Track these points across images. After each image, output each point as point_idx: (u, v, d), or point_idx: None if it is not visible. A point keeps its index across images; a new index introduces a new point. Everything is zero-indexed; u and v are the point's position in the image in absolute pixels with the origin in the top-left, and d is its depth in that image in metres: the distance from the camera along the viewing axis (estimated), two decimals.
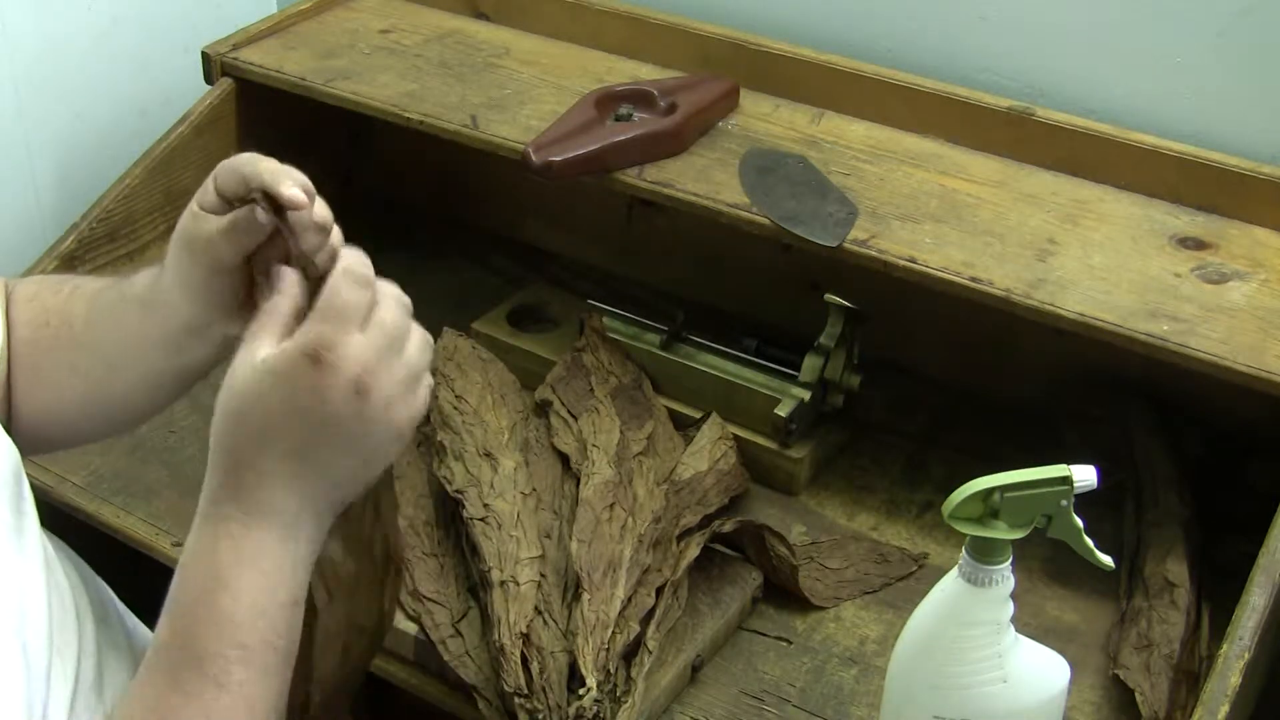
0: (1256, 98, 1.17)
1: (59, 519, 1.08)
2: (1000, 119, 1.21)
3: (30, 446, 0.88)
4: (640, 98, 1.23)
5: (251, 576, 0.70)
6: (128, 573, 0.96)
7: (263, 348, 0.71)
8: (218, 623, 0.69)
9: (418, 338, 0.75)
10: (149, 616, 0.94)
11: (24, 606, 0.78)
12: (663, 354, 1.22)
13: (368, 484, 0.75)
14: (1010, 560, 0.81)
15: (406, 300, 0.75)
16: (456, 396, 1.13)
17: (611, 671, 0.92)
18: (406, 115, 1.25)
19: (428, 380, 0.76)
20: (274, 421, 0.70)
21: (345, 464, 0.73)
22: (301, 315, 0.73)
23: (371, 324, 0.72)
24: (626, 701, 0.92)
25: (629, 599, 0.96)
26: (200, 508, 0.72)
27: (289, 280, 0.74)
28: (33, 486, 1.09)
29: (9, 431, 0.84)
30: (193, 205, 0.81)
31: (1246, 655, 0.87)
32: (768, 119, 1.27)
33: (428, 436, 1.11)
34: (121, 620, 0.90)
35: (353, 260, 0.73)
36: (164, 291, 0.83)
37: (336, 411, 0.70)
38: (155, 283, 0.84)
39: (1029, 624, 0.99)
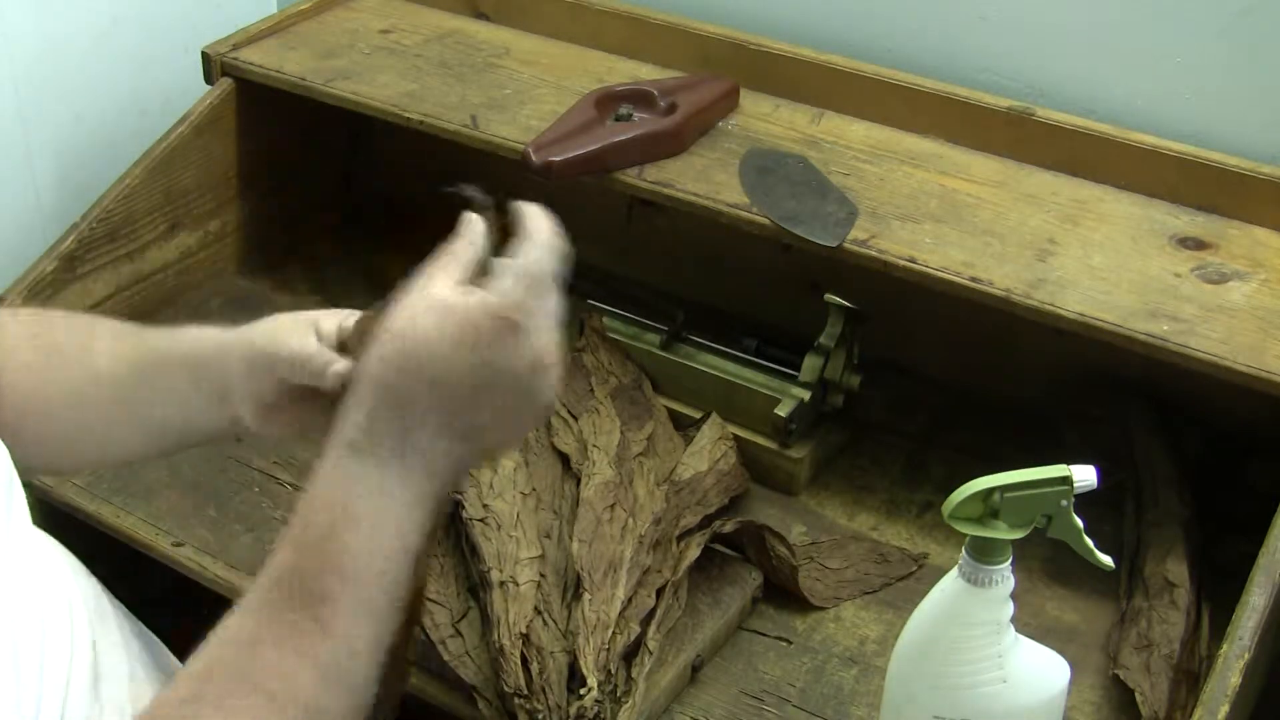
0: (1256, 98, 1.17)
1: (59, 519, 1.08)
2: (1000, 119, 1.21)
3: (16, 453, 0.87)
4: (640, 98, 1.23)
5: (384, 515, 0.68)
6: (127, 573, 0.96)
7: (444, 290, 0.69)
8: (345, 565, 0.67)
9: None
10: (148, 615, 0.94)
11: (13, 605, 0.78)
12: (663, 354, 1.22)
13: (493, 457, 0.73)
14: (1010, 560, 0.81)
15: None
16: None
17: (612, 672, 0.93)
18: (406, 115, 1.25)
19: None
20: (451, 368, 0.68)
21: (494, 432, 0.72)
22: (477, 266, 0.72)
23: (554, 299, 0.71)
24: (627, 702, 0.92)
25: (629, 599, 0.96)
26: (344, 435, 0.69)
27: (476, 228, 0.73)
28: (33, 486, 1.09)
29: None
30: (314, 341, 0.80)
31: (1246, 655, 0.87)
32: (768, 119, 1.27)
33: None
34: (118, 619, 0.90)
35: (552, 229, 0.73)
36: (214, 372, 0.83)
37: (515, 378, 0.70)
38: (204, 356, 0.84)
39: (1029, 624, 0.98)
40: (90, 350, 0.89)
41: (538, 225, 0.73)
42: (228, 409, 0.84)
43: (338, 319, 0.81)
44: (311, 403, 0.81)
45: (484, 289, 0.70)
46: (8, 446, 0.85)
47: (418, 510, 0.69)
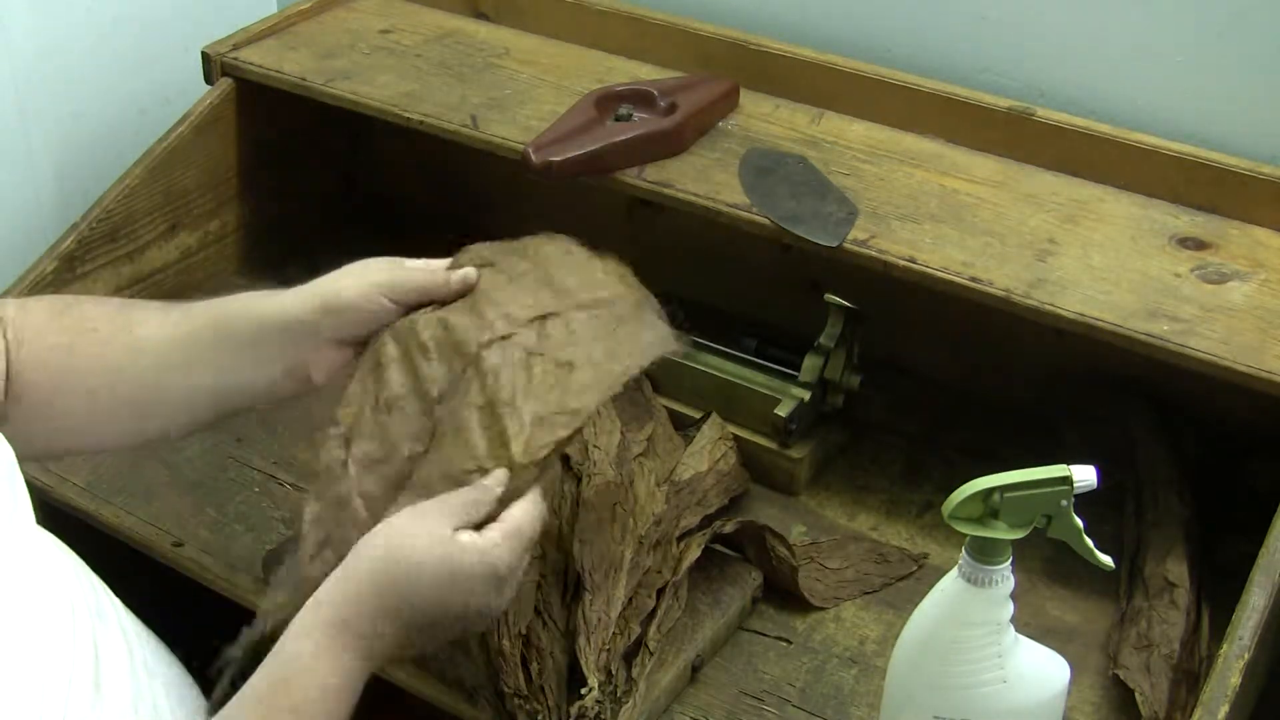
0: (1256, 98, 1.17)
1: (59, 519, 1.08)
2: (1000, 119, 1.21)
3: (28, 449, 0.88)
4: (640, 98, 1.23)
5: (345, 703, 0.79)
6: (128, 573, 0.96)
7: (447, 531, 0.80)
8: None
9: None
10: (148, 615, 0.94)
11: (16, 605, 0.78)
12: None
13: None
14: (1010, 560, 0.81)
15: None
16: None
17: (613, 672, 0.93)
18: (406, 115, 1.25)
19: None
20: (437, 602, 0.79)
21: (447, 635, 0.84)
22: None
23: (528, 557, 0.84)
24: (628, 702, 0.92)
25: (629, 600, 0.96)
26: (330, 615, 0.79)
27: (497, 489, 0.83)
28: (33, 486, 1.09)
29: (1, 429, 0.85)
30: (373, 287, 0.91)
31: (1246, 655, 0.87)
32: (768, 119, 1.27)
33: None
34: (119, 618, 0.90)
35: (535, 499, 0.84)
36: (277, 328, 0.90)
37: (485, 618, 0.83)
38: (260, 310, 0.91)
39: (1029, 624, 0.98)
40: (129, 324, 0.92)
41: (538, 500, 0.84)
42: (287, 363, 0.90)
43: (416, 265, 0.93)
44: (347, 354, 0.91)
45: (481, 537, 0.81)
46: (35, 428, 0.88)
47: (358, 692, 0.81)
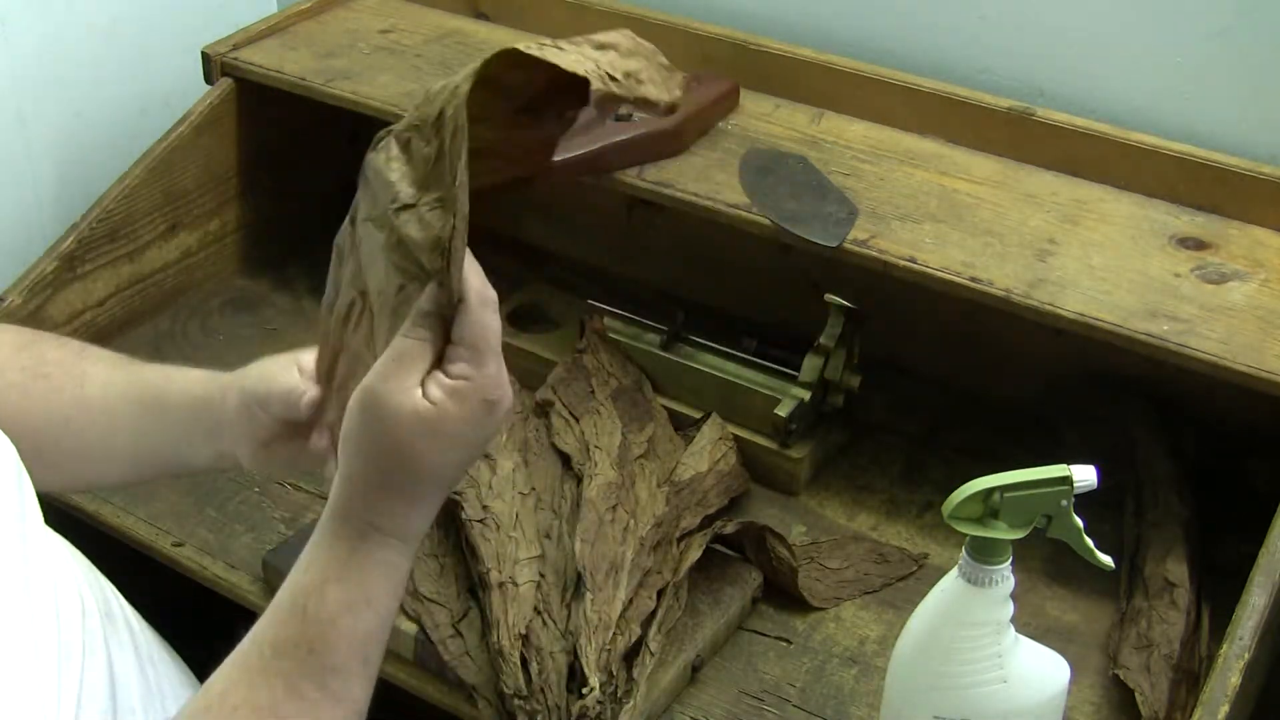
0: (1256, 98, 1.17)
1: (59, 519, 1.08)
2: (1000, 119, 1.21)
3: None
4: None
5: (393, 599, 0.74)
6: (128, 573, 0.96)
7: (416, 383, 0.73)
8: (358, 640, 0.73)
9: None
10: (148, 615, 0.94)
11: (30, 607, 0.78)
12: (663, 354, 1.22)
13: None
14: (1010, 560, 0.81)
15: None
16: None
17: (614, 672, 0.93)
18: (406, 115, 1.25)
19: None
20: (441, 458, 0.74)
21: (465, 468, 0.79)
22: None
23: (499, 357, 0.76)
24: (628, 702, 0.92)
25: (630, 601, 0.96)
26: (347, 519, 0.74)
27: (429, 332, 0.75)
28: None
29: None
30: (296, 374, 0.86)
31: (1246, 655, 0.87)
32: (768, 119, 1.27)
33: None
34: (126, 619, 0.90)
35: (481, 283, 0.75)
36: (210, 412, 0.88)
37: (486, 439, 0.76)
38: (200, 396, 0.89)
39: (1029, 624, 0.99)
40: (82, 377, 0.91)
41: (471, 285, 0.75)
42: (220, 445, 0.89)
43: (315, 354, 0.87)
44: (303, 439, 0.87)
45: (449, 378, 0.73)
46: None
47: (407, 580, 0.76)
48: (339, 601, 0.73)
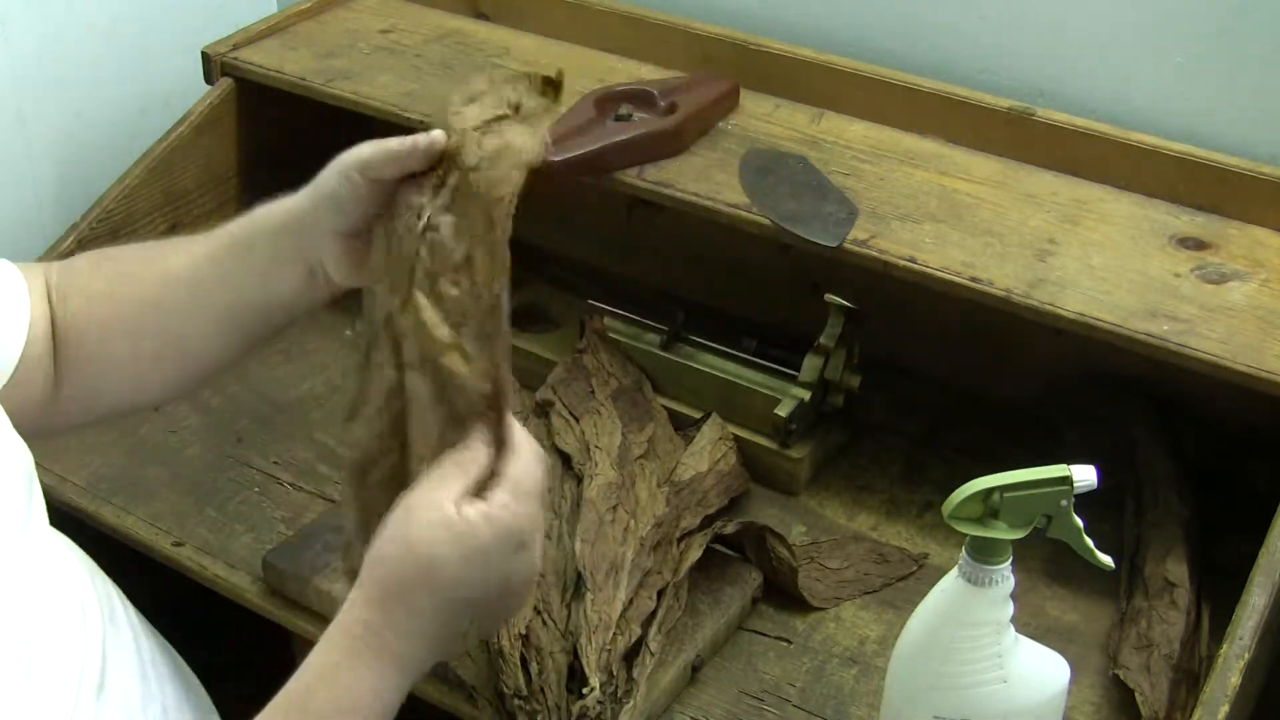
0: (1256, 98, 1.17)
1: (59, 519, 1.08)
2: (1000, 119, 1.21)
3: (85, 410, 0.92)
4: (640, 98, 1.23)
5: (379, 712, 0.75)
6: (128, 573, 0.96)
7: (451, 505, 0.75)
8: None
9: None
10: (148, 615, 0.94)
11: (29, 608, 0.78)
12: (663, 354, 1.22)
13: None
14: (1010, 560, 0.81)
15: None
16: None
17: (614, 673, 0.93)
18: (406, 115, 1.25)
19: None
20: (460, 584, 0.75)
21: (495, 614, 0.80)
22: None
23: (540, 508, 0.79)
24: (628, 702, 0.92)
25: (630, 601, 0.96)
26: (353, 626, 0.75)
27: (484, 439, 0.77)
28: None
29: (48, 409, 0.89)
30: (350, 166, 0.85)
31: (1246, 655, 0.87)
32: (768, 119, 1.27)
33: None
34: (130, 621, 0.90)
35: (530, 440, 0.79)
36: (293, 224, 0.87)
37: (515, 589, 0.77)
38: (279, 216, 0.89)
39: (1029, 624, 0.98)
40: (164, 260, 0.92)
41: (520, 436, 0.78)
42: (309, 256, 0.87)
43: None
44: (354, 246, 0.86)
45: (486, 503, 0.75)
46: (87, 383, 0.89)
47: (398, 699, 0.76)
48: (327, 702, 0.74)
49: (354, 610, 0.75)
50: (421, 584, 0.74)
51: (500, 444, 0.77)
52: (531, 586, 0.79)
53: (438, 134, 0.82)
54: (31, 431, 0.86)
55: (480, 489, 0.76)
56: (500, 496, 0.75)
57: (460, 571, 0.74)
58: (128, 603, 0.92)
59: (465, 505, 0.75)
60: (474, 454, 0.77)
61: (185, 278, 0.90)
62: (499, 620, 0.82)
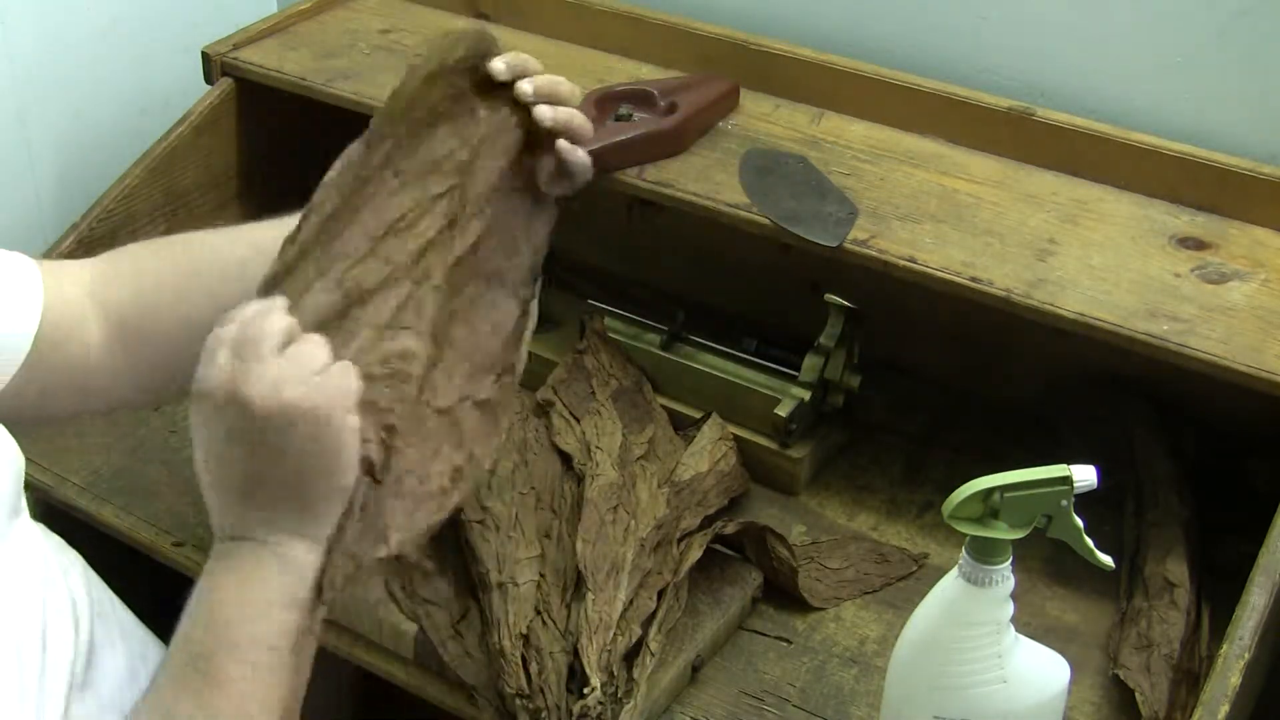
0: (1256, 98, 1.17)
1: (59, 519, 1.08)
2: (1000, 119, 1.21)
3: (164, 384, 0.94)
4: (640, 98, 1.23)
5: (240, 588, 0.76)
6: (127, 573, 0.96)
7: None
8: (213, 625, 0.75)
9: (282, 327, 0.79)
10: (147, 615, 0.94)
11: (18, 605, 0.78)
12: (663, 354, 1.22)
13: (337, 490, 0.78)
14: (1010, 560, 0.81)
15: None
16: None
17: (614, 673, 0.93)
18: None
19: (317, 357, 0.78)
20: (208, 448, 0.77)
21: (298, 497, 0.77)
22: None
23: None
24: (629, 703, 0.92)
25: (630, 601, 0.96)
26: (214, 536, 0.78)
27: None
28: (33, 486, 1.09)
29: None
30: None
31: (1246, 655, 0.87)
32: (768, 119, 1.27)
33: None
34: (119, 618, 0.90)
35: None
36: None
37: (241, 438, 0.76)
38: None
39: (1029, 624, 0.98)
40: (247, 233, 0.96)
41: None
42: None
43: None
44: None
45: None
46: (152, 352, 0.92)
47: (271, 576, 0.76)
48: (197, 600, 0.77)
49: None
50: (202, 470, 0.77)
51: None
52: (320, 431, 0.77)
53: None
54: (85, 410, 0.94)
55: None
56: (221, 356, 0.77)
57: (202, 442, 0.77)
58: (117, 601, 0.92)
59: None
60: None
61: (270, 246, 0.89)
62: (323, 480, 0.78)
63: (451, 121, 0.91)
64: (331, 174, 0.88)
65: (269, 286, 0.82)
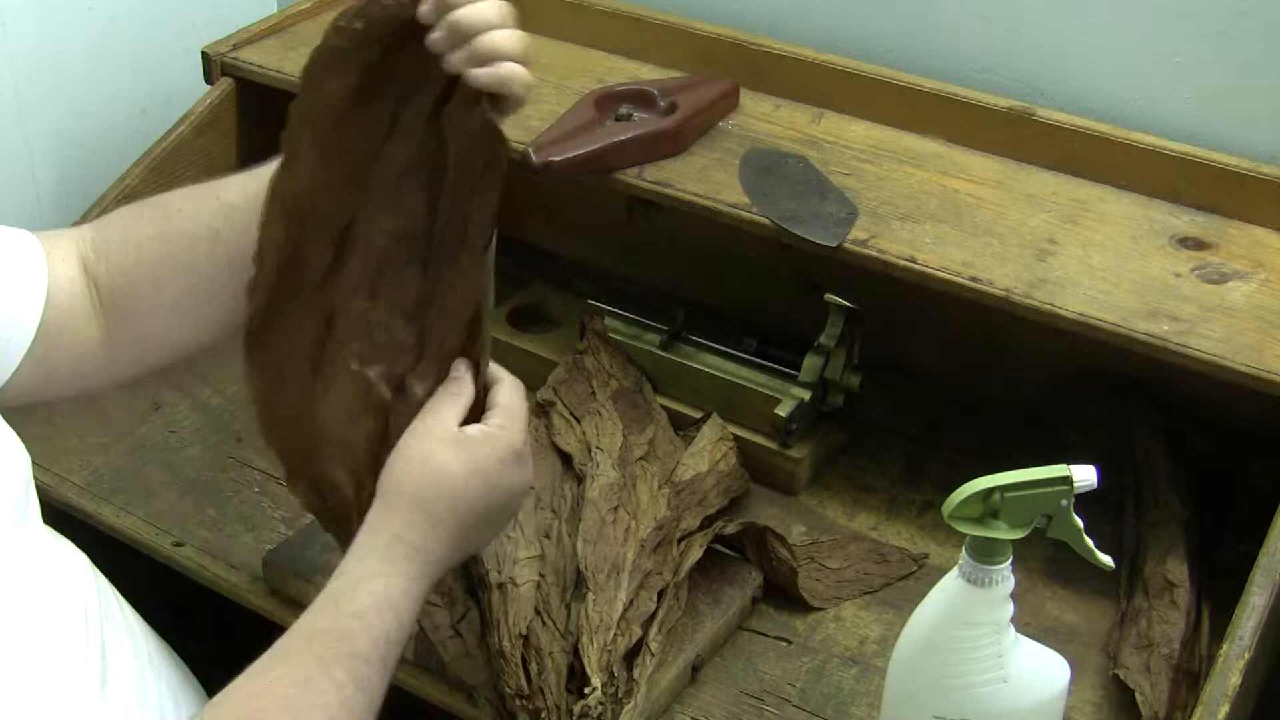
0: (1256, 98, 1.17)
1: (59, 519, 1.08)
2: (1000, 119, 1.21)
3: (137, 359, 0.94)
4: (640, 98, 1.23)
5: (409, 610, 0.82)
6: (128, 573, 0.96)
7: (453, 426, 0.85)
8: (381, 639, 0.80)
9: None
10: (148, 615, 0.94)
11: (28, 606, 0.78)
12: (663, 354, 1.22)
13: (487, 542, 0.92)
14: (1010, 560, 0.81)
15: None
16: None
17: (615, 673, 0.93)
18: None
19: None
20: (467, 484, 0.84)
21: (483, 541, 0.89)
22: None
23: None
24: (629, 703, 0.92)
25: (630, 602, 0.96)
26: (379, 531, 0.83)
27: (468, 372, 0.88)
28: (34, 486, 1.09)
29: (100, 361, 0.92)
30: None
31: (1246, 655, 0.87)
32: (768, 119, 1.27)
33: None
34: (127, 619, 0.90)
35: (510, 380, 0.90)
36: None
37: (515, 498, 0.88)
38: None
39: (1029, 624, 0.98)
40: (214, 193, 0.94)
41: (497, 368, 0.90)
42: None
43: None
44: None
45: (484, 424, 0.86)
46: (143, 330, 0.92)
47: (423, 600, 0.85)
48: (367, 600, 0.80)
49: (381, 523, 0.83)
50: (438, 494, 0.83)
51: (479, 374, 0.88)
52: (525, 497, 0.91)
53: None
54: (81, 391, 0.93)
55: (473, 414, 0.87)
56: (496, 418, 0.86)
57: (468, 481, 0.84)
58: (124, 602, 0.92)
59: (469, 429, 0.85)
60: (460, 385, 0.87)
61: (242, 204, 0.91)
62: (500, 526, 0.89)
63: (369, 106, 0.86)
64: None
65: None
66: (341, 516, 0.91)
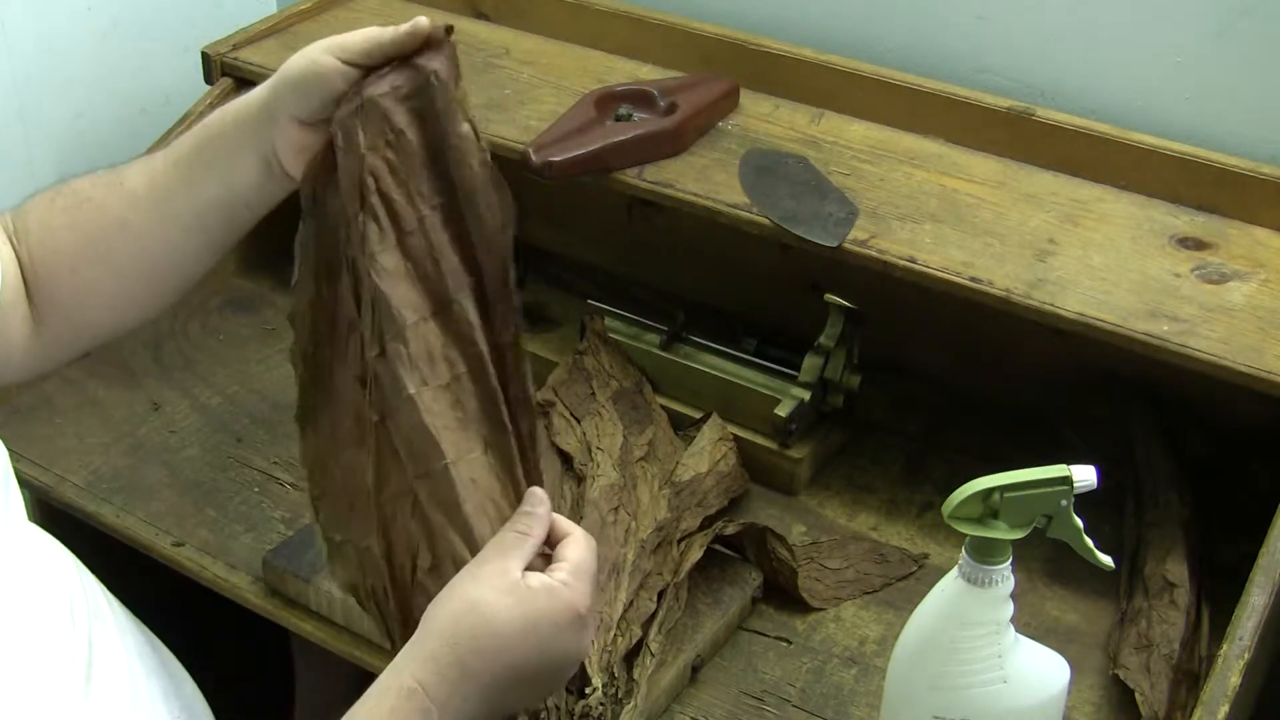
0: (1256, 98, 1.18)
1: (59, 519, 1.08)
2: (1000, 119, 1.21)
3: (68, 345, 0.92)
4: (640, 98, 1.23)
5: None
6: (128, 573, 0.96)
7: (517, 574, 0.76)
8: None
9: None
10: (148, 615, 0.94)
11: (11, 601, 0.78)
12: (663, 354, 1.22)
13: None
14: (1010, 560, 0.81)
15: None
16: None
17: (615, 674, 0.93)
18: None
19: None
20: (518, 651, 0.75)
21: (528, 702, 0.81)
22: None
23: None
24: (629, 703, 0.92)
25: (631, 602, 0.96)
26: (403, 678, 0.74)
27: (544, 508, 0.80)
28: (33, 486, 1.09)
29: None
30: (320, 50, 0.86)
31: (1246, 655, 0.87)
32: (768, 119, 1.27)
33: None
34: (117, 617, 0.90)
35: (584, 535, 0.81)
36: (251, 117, 0.87)
37: (568, 664, 0.78)
38: (236, 104, 0.89)
39: (1029, 624, 0.99)
40: (120, 181, 0.92)
41: (564, 521, 0.81)
42: (264, 147, 0.87)
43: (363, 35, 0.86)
44: (311, 135, 0.86)
45: (549, 576, 0.77)
46: (68, 319, 0.90)
47: None
48: None
49: (410, 665, 0.75)
50: (480, 647, 0.74)
51: (546, 519, 0.80)
52: (576, 666, 0.80)
53: (423, 20, 0.84)
54: (19, 377, 0.89)
55: (539, 564, 0.78)
56: (563, 572, 0.77)
57: (519, 639, 0.75)
58: (114, 599, 0.92)
59: (530, 576, 0.76)
60: (531, 523, 0.79)
61: (146, 192, 0.90)
62: (543, 695, 0.82)
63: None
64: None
65: None
66: (380, 597, 0.84)
